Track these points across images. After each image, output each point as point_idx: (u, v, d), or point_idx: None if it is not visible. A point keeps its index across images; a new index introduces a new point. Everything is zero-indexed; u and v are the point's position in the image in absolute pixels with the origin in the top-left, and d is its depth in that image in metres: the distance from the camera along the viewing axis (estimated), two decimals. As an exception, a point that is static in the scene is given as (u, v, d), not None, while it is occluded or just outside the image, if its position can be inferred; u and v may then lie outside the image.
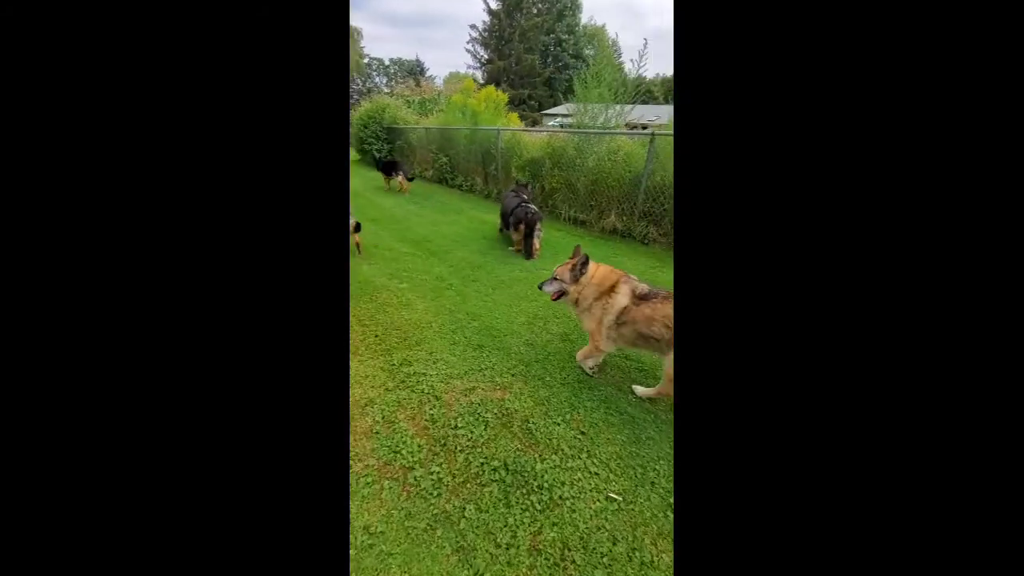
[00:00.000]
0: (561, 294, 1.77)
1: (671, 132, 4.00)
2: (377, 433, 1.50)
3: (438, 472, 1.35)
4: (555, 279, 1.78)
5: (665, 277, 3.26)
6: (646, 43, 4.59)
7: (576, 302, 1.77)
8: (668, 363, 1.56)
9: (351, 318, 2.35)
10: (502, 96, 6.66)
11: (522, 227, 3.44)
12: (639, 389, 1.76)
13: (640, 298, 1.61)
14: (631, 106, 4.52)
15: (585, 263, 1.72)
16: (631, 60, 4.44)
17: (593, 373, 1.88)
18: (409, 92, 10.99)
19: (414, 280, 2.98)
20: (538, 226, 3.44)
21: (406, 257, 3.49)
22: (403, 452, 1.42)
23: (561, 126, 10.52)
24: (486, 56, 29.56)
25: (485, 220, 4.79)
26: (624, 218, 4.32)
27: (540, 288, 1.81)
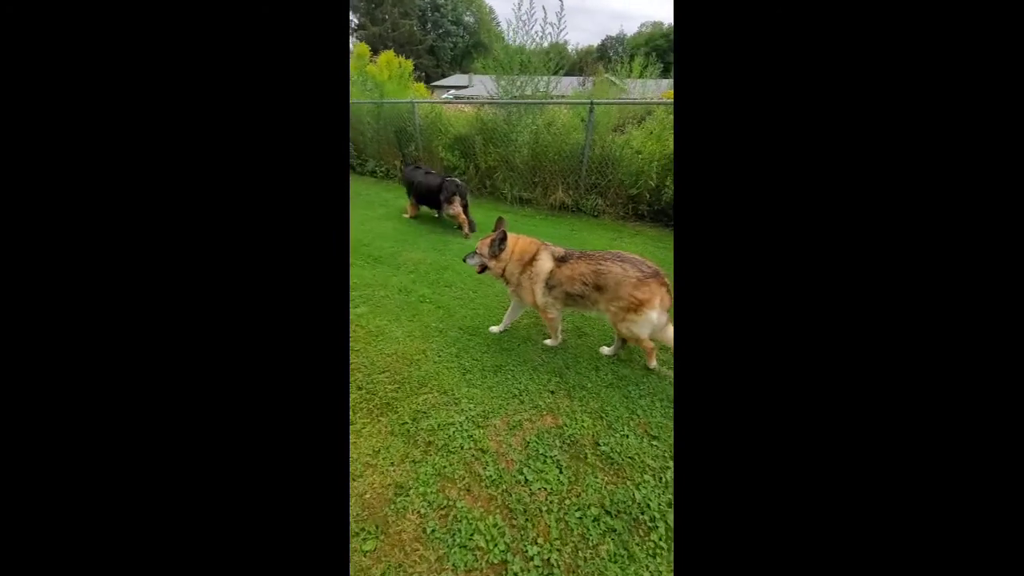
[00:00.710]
0: (484, 268, 1.82)
1: (608, 102, 3.99)
2: (433, 532, 1.09)
3: (539, 552, 1.05)
4: (476, 253, 1.82)
5: (625, 247, 3.33)
6: (563, 5, 4.39)
7: (505, 280, 1.82)
8: (617, 301, 1.61)
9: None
10: (407, 63, 5.73)
11: (457, 199, 3.40)
12: (604, 349, 1.88)
13: (560, 260, 1.71)
14: (555, 77, 4.35)
15: (503, 239, 1.74)
16: (550, 25, 4.20)
17: (556, 343, 1.92)
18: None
19: (373, 300, 2.37)
20: (467, 198, 3.51)
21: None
22: (481, 544, 1.07)
23: (456, 97, 9.81)
24: (356, 21, 25.65)
25: (420, 209, 4.18)
26: (571, 192, 4.25)
27: (464, 261, 1.86)
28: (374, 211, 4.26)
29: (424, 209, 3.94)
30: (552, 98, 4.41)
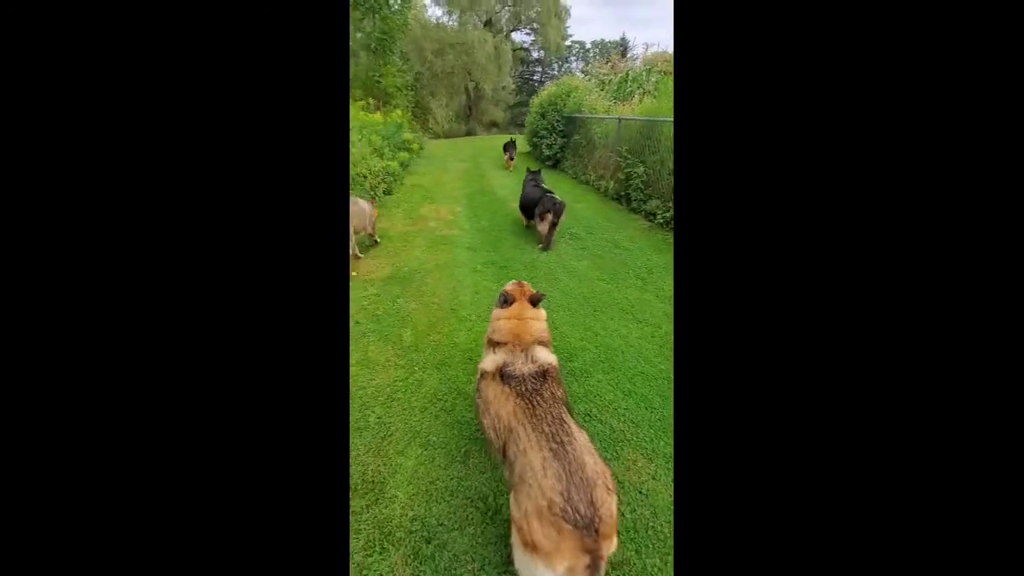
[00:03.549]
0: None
1: None
2: None
3: None
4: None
5: None
6: None
7: None
8: (513, 506, 0.92)
9: None
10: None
11: (549, 216, 3.22)
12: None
13: (502, 375, 1.11)
14: None
15: (505, 301, 1.31)
16: None
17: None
18: (607, 71, 8.74)
19: None
20: (562, 217, 3.29)
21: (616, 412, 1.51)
22: None
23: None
24: None
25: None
26: None
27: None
28: (626, 281, 2.76)
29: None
30: None
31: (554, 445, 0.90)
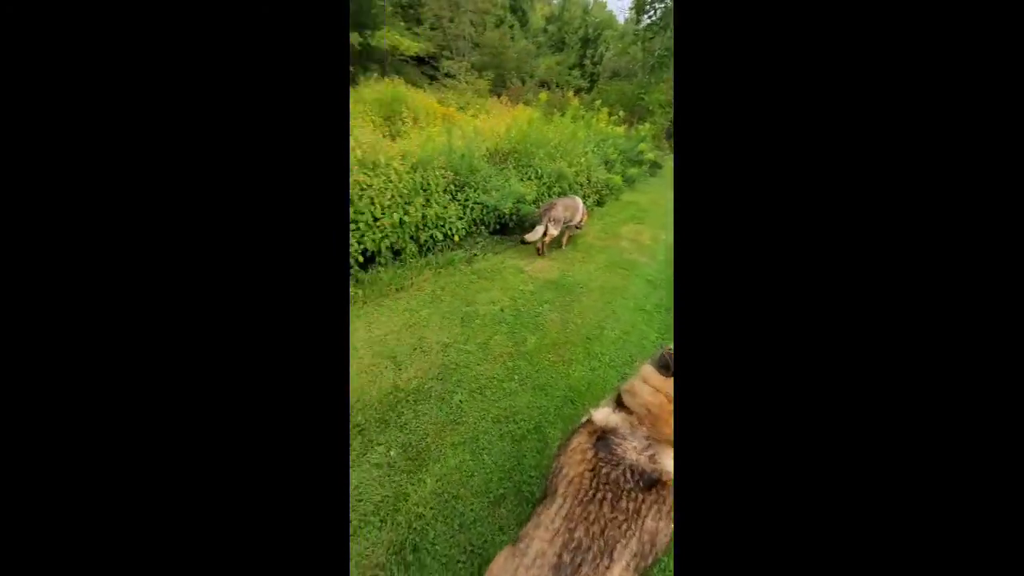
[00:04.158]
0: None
1: None
2: None
3: None
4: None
5: None
6: None
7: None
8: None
9: None
10: None
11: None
12: None
13: (601, 436, 0.86)
14: None
15: (666, 366, 0.91)
16: None
17: None
18: None
19: None
20: None
21: None
22: None
23: None
24: None
25: None
26: None
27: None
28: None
29: None
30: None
31: (567, 560, 0.65)
